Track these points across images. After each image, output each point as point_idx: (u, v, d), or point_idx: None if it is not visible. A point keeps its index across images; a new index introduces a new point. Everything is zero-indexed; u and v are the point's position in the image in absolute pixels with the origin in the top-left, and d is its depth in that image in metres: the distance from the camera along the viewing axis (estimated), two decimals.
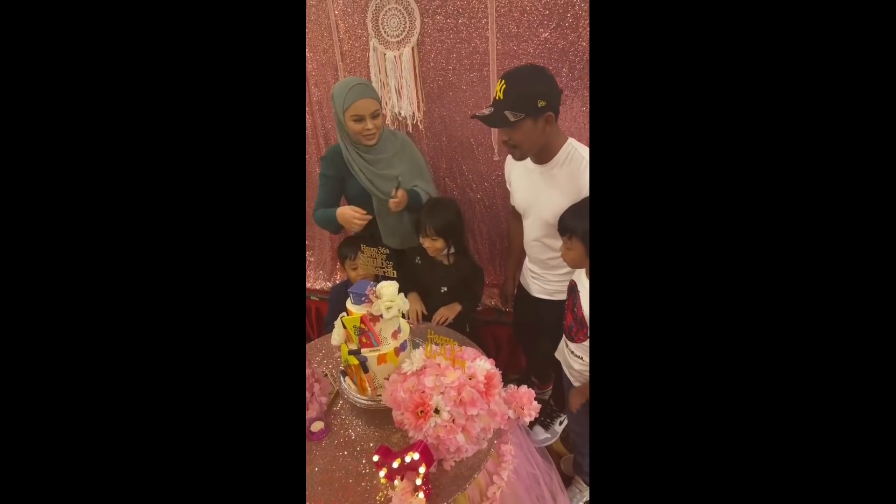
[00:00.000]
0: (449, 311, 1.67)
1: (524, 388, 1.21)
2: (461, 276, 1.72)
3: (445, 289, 1.70)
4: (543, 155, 1.40)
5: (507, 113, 1.27)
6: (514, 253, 1.81)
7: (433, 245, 1.65)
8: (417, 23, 1.86)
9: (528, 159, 1.43)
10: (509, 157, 1.57)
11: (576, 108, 1.80)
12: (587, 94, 1.76)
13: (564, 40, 1.73)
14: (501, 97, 1.28)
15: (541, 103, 1.27)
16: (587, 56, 1.71)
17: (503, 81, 1.28)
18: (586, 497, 1.65)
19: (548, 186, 1.42)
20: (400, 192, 1.60)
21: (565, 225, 1.28)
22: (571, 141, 1.40)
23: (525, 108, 1.27)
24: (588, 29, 1.68)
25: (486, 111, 1.30)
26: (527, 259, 1.67)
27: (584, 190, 1.33)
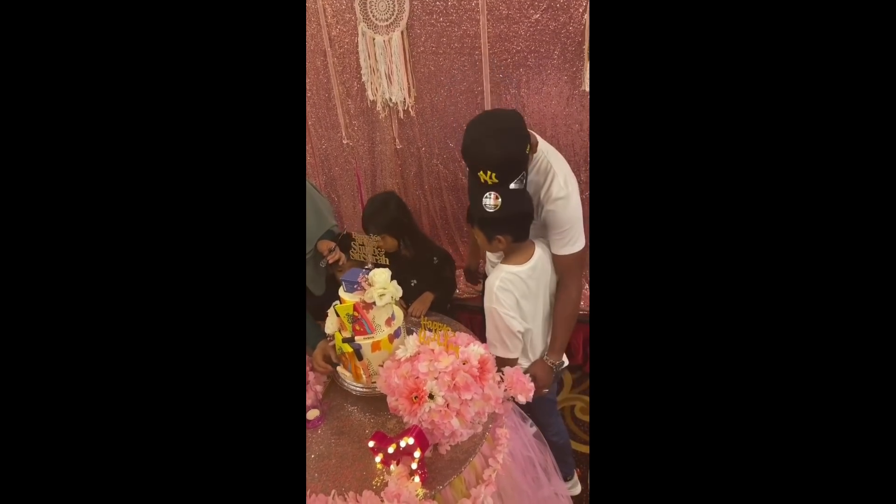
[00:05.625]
0: (422, 305, 1.61)
1: (518, 371, 1.22)
2: (428, 266, 1.69)
3: (415, 282, 1.68)
4: None
5: (512, 188, 1.17)
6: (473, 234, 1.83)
7: (385, 244, 1.58)
8: (406, 6, 1.83)
9: None
10: None
11: (567, 91, 1.79)
12: (579, 76, 1.75)
13: (556, 21, 1.71)
14: (496, 181, 1.14)
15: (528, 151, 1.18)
16: (579, 38, 1.69)
17: (490, 172, 1.13)
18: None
19: None
20: (322, 245, 1.43)
21: (469, 213, 1.27)
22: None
23: (519, 169, 1.17)
24: (580, 10, 1.66)
25: (496, 203, 1.16)
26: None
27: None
